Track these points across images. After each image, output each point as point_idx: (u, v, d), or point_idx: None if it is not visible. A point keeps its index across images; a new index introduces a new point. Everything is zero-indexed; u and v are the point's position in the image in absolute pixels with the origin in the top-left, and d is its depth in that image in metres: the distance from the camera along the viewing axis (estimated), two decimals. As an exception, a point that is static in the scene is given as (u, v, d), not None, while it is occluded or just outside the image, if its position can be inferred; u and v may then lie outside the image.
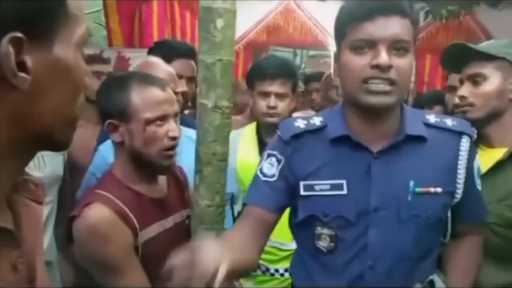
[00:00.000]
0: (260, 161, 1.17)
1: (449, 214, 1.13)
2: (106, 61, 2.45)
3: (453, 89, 1.91)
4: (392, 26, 0.99)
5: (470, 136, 1.12)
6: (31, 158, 0.58)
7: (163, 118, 1.19)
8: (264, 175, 1.14)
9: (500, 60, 1.37)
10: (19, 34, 0.47)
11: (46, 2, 0.50)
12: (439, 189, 1.07)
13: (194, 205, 1.29)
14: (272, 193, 1.12)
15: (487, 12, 3.77)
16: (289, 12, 5.45)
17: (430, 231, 1.09)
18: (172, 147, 1.22)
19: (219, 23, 1.21)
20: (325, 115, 1.15)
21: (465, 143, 1.10)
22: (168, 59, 1.71)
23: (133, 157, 1.20)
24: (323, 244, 1.09)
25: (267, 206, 1.12)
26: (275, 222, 1.14)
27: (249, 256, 1.08)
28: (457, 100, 1.44)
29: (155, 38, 3.30)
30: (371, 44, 1.00)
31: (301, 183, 1.09)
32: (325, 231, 1.08)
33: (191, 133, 1.48)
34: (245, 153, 1.77)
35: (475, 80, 1.39)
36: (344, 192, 1.06)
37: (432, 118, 1.12)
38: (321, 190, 1.07)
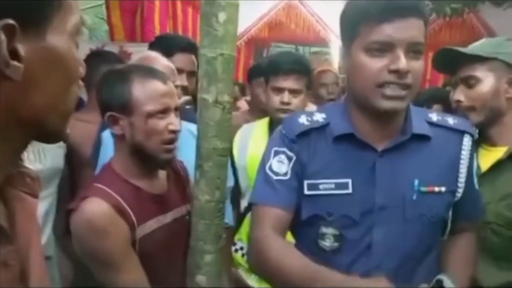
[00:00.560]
0: (265, 158, 1.13)
1: (450, 213, 1.12)
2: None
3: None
4: (410, 29, 0.96)
5: (471, 135, 1.11)
6: (23, 149, 0.57)
7: (164, 111, 1.18)
8: (276, 173, 1.09)
9: (492, 61, 1.36)
10: (11, 21, 0.46)
11: None
12: (443, 188, 1.06)
13: (194, 200, 1.28)
14: (288, 193, 1.08)
15: (491, 10, 3.75)
16: (292, 9, 5.44)
17: (434, 230, 1.08)
18: (172, 141, 1.20)
19: (222, 16, 1.19)
20: (327, 112, 1.13)
21: (467, 142, 1.10)
22: (169, 53, 1.69)
23: (133, 150, 1.19)
24: (326, 243, 1.06)
25: (286, 207, 1.08)
26: (291, 220, 1.11)
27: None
28: (454, 105, 1.43)
29: (157, 32, 3.29)
30: (388, 47, 0.96)
31: (305, 182, 1.07)
32: (329, 230, 1.06)
33: (193, 127, 1.47)
34: (256, 149, 1.73)
35: (469, 82, 1.38)
36: (350, 191, 1.04)
37: (434, 116, 1.11)
38: (326, 189, 1.05)
